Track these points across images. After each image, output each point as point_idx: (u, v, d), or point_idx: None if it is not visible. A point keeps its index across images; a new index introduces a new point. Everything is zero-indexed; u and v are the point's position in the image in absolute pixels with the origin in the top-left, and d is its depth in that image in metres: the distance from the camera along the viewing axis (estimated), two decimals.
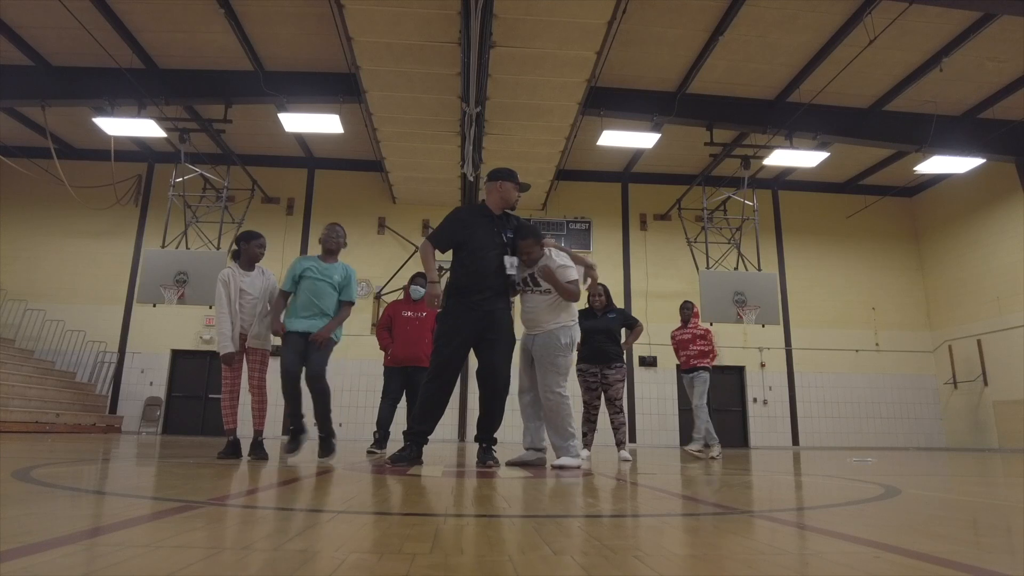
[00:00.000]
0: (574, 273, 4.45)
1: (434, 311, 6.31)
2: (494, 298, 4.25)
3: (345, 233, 4.85)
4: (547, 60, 9.31)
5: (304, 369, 4.49)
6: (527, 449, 4.53)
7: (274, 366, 4.50)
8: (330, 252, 4.75)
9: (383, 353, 6.26)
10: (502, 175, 4.43)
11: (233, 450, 4.68)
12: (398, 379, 6.10)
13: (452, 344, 4.17)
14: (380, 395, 6.17)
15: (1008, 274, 13.34)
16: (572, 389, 4.62)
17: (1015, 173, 12.91)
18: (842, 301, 15.25)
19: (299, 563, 1.14)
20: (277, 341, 4.66)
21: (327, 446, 4.53)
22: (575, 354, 4.74)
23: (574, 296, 4.41)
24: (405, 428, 6.11)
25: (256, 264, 4.85)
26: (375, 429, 6.07)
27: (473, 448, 5.10)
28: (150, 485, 2.78)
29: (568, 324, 4.45)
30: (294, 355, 4.46)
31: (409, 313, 6.21)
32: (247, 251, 4.79)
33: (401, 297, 6.66)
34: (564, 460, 4.27)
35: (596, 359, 6.02)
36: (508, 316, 4.36)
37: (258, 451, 4.63)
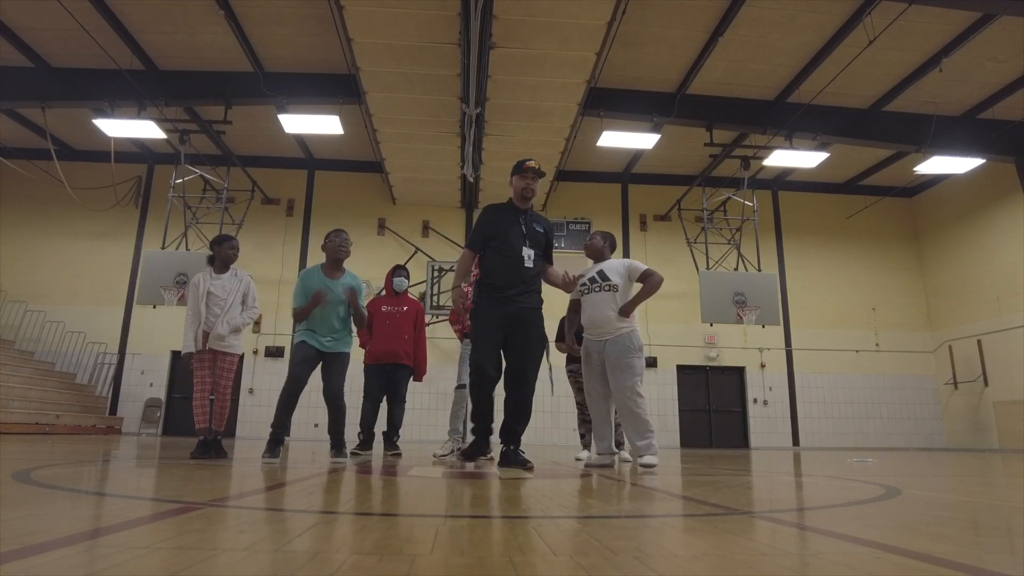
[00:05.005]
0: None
1: (415, 305, 6.31)
2: (525, 295, 4.23)
3: (350, 241, 4.95)
4: (547, 61, 9.31)
5: (323, 386, 4.73)
6: (600, 454, 4.67)
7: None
8: (337, 262, 4.85)
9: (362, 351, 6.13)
10: (514, 169, 4.45)
11: (205, 449, 4.75)
12: (378, 378, 5.95)
13: (488, 340, 4.14)
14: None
15: (1008, 274, 13.34)
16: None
17: (1015, 173, 12.91)
18: (842, 301, 15.23)
19: (299, 564, 1.14)
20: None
21: (340, 454, 4.79)
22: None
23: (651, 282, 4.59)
24: (384, 429, 6.05)
25: (231, 266, 5.00)
26: (359, 430, 5.92)
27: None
28: (150, 486, 2.78)
29: (637, 328, 4.61)
30: (305, 364, 4.66)
31: (388, 308, 6.09)
32: (220, 254, 4.94)
33: (383, 293, 6.47)
34: (647, 459, 4.32)
35: None
36: (539, 316, 4.30)
37: (215, 449, 4.77)
